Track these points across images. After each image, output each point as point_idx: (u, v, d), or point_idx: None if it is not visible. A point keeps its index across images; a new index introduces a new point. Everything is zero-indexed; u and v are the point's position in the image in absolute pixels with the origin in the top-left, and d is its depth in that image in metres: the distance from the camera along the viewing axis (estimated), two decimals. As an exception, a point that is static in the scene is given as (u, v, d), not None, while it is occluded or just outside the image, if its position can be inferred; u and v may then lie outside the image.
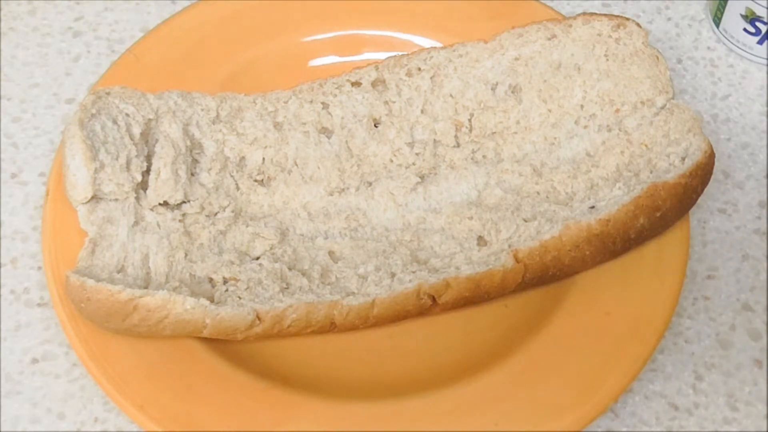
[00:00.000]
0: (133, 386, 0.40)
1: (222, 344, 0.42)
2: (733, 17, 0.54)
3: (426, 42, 0.52)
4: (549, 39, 0.49)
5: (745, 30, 0.54)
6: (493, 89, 0.48)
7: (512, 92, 0.48)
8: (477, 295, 0.42)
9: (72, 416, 0.42)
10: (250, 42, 0.52)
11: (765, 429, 0.42)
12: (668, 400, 0.43)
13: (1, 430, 0.42)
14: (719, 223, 0.49)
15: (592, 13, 0.49)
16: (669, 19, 0.57)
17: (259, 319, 0.40)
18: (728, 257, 0.48)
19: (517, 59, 0.49)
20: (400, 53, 0.49)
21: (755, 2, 0.52)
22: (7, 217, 0.49)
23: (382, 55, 0.52)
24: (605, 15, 0.49)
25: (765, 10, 0.52)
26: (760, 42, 0.54)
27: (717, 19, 0.55)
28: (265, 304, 0.40)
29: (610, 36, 0.48)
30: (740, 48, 0.55)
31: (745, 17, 0.53)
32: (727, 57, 0.56)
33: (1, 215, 0.49)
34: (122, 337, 0.41)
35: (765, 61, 0.55)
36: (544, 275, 0.42)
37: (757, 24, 0.53)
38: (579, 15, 0.49)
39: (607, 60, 0.48)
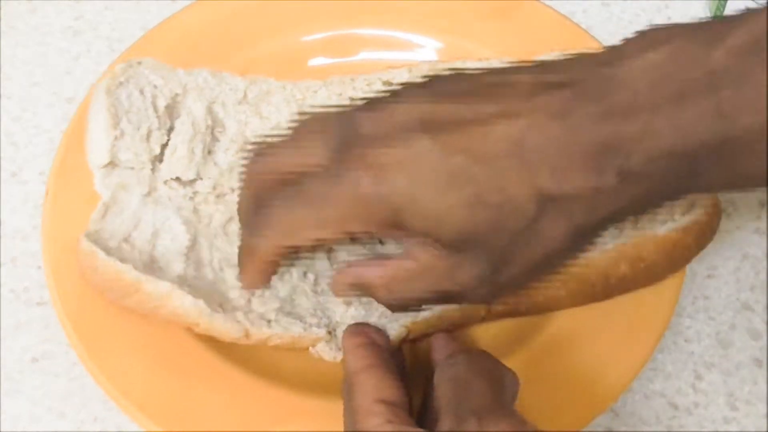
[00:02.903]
0: (132, 385, 0.40)
1: (223, 344, 0.42)
2: (733, 17, 0.54)
3: (425, 41, 0.52)
4: None
5: (745, 29, 0.54)
6: None
7: None
8: (447, 328, 0.42)
9: (72, 415, 0.42)
10: (249, 41, 0.52)
11: (765, 428, 0.42)
12: (668, 399, 0.43)
13: (1, 429, 0.42)
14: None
15: None
16: (669, 18, 0.57)
17: (247, 336, 0.40)
18: (728, 257, 0.48)
19: None
20: (426, 60, 0.49)
21: (755, 2, 0.52)
22: (7, 216, 0.49)
23: (380, 55, 0.52)
24: None
25: (765, 9, 0.52)
26: (760, 42, 0.54)
27: (717, 19, 0.55)
28: (255, 324, 0.40)
29: None
30: (740, 48, 0.55)
31: (745, 17, 0.53)
32: (727, 56, 0.56)
33: (1, 214, 0.49)
34: (122, 337, 0.41)
35: (765, 61, 0.55)
36: (515, 311, 0.42)
37: (757, 24, 0.53)
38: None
39: None
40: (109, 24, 0.56)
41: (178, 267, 0.42)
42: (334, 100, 0.48)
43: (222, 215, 0.44)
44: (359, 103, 0.36)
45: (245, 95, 0.47)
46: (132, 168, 0.44)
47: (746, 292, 0.46)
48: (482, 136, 0.33)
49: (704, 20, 0.34)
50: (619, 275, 0.41)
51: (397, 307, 0.39)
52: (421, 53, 0.52)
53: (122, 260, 0.40)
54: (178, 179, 0.44)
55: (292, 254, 0.42)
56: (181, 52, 0.51)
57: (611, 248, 0.41)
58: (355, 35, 0.53)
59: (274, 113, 0.47)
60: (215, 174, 0.45)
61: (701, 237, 0.42)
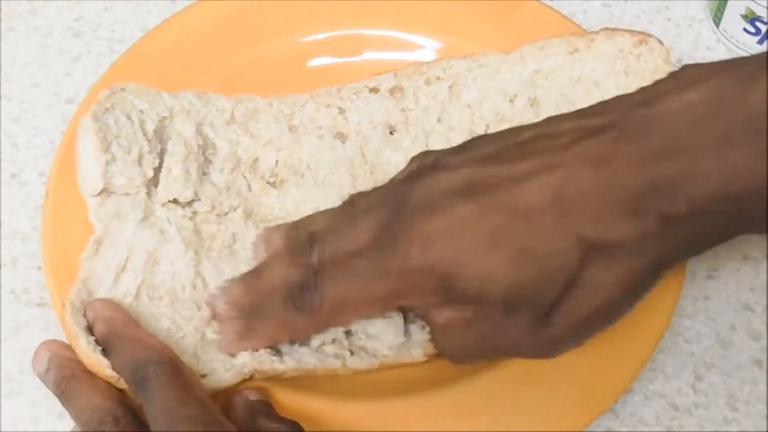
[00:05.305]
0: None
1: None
2: (733, 17, 0.54)
3: (427, 42, 0.52)
4: (571, 53, 0.48)
5: (745, 30, 0.54)
6: (511, 101, 0.48)
7: (531, 105, 0.48)
8: None
9: (72, 416, 0.42)
10: (249, 42, 0.52)
11: (765, 429, 0.42)
12: (668, 400, 0.43)
13: (1, 430, 0.42)
14: (719, 223, 0.49)
15: (615, 28, 0.48)
16: (669, 19, 0.57)
17: (259, 373, 0.40)
18: (728, 257, 0.47)
19: (537, 72, 0.48)
20: (420, 61, 0.49)
21: (755, 2, 0.52)
22: (7, 217, 0.49)
23: (382, 55, 0.52)
24: (628, 31, 0.48)
25: (765, 10, 0.52)
26: (760, 42, 0.54)
27: (717, 19, 0.55)
28: (265, 361, 0.40)
29: (631, 52, 0.47)
30: (740, 48, 0.55)
31: (745, 17, 0.53)
32: (728, 57, 0.56)
33: (1, 215, 0.49)
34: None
35: (765, 61, 0.55)
36: None
37: (757, 24, 0.53)
38: (602, 30, 0.48)
39: (627, 76, 0.47)
40: (109, 25, 0.56)
41: (179, 293, 0.41)
42: (323, 113, 0.48)
43: (225, 234, 0.44)
44: (411, 172, 0.37)
45: (233, 115, 0.47)
46: (127, 194, 0.43)
47: (746, 293, 0.46)
48: (521, 192, 0.33)
49: (737, 59, 0.34)
50: None
51: (459, 357, 0.39)
52: (421, 53, 0.52)
53: (118, 297, 0.40)
54: (175, 201, 0.44)
55: None
56: (182, 53, 0.51)
57: None
58: (354, 36, 0.53)
59: (264, 131, 0.47)
60: (213, 193, 0.45)
61: None
